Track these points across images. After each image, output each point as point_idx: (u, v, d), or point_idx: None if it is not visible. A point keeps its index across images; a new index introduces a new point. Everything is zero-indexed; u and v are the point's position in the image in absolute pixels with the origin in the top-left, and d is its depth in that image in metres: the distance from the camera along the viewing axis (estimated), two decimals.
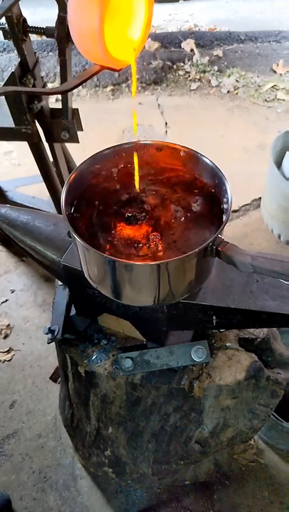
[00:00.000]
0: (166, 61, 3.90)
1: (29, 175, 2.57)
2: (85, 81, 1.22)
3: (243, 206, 2.70)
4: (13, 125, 1.74)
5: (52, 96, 3.53)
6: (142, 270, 0.79)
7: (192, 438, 1.24)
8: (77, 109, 1.89)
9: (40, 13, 4.25)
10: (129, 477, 1.43)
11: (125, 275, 0.81)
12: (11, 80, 1.61)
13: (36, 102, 1.72)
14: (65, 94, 1.72)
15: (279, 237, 2.47)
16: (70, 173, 0.93)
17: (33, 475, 1.66)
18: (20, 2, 1.52)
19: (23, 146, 1.92)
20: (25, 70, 1.68)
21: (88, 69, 0.95)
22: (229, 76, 3.82)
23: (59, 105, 1.83)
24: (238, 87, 3.73)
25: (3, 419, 1.82)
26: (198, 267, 0.82)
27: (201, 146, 1.05)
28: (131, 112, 3.48)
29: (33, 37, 3.04)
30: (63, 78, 1.71)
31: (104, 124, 3.32)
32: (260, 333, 1.24)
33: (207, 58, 3.91)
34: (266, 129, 3.31)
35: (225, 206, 0.86)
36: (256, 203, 2.70)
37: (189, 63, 3.92)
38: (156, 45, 3.95)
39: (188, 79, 3.85)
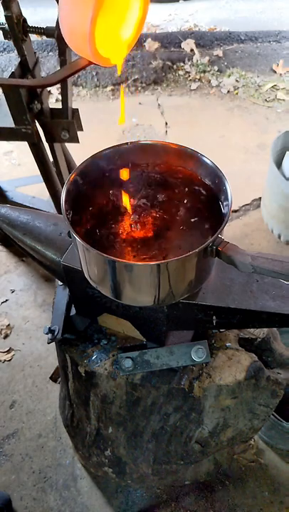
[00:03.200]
0: (166, 61, 3.90)
1: (29, 175, 2.57)
2: (72, 74, 1.22)
3: (243, 206, 2.70)
4: (13, 125, 1.74)
5: (52, 96, 3.53)
6: (142, 270, 0.79)
7: (192, 438, 1.24)
8: (77, 109, 1.89)
9: (40, 13, 4.26)
10: (129, 477, 1.43)
11: (125, 275, 0.81)
12: None
13: (36, 102, 1.72)
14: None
15: (279, 237, 2.47)
16: (70, 173, 0.93)
17: (33, 475, 1.66)
18: (20, 2, 1.52)
19: (23, 146, 1.92)
20: (26, 70, 1.67)
21: (75, 61, 0.94)
22: (229, 76, 3.82)
23: (59, 105, 1.83)
24: (238, 87, 3.73)
25: (3, 419, 1.82)
26: (199, 267, 0.82)
27: (201, 146, 1.05)
28: (131, 112, 3.48)
29: (33, 37, 3.04)
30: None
31: (104, 124, 3.32)
32: (260, 333, 1.24)
33: (207, 58, 3.91)
34: (266, 129, 3.31)
35: (225, 206, 0.87)
36: (256, 203, 2.70)
37: (189, 63, 3.92)
38: (156, 45, 3.95)
39: (189, 79, 3.85)
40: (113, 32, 0.81)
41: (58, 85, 1.62)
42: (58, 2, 1.53)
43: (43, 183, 2.03)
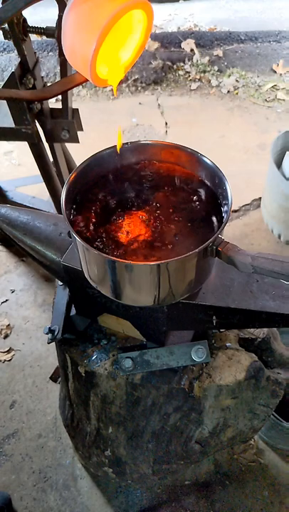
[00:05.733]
0: (166, 61, 3.89)
1: (29, 175, 2.57)
2: (70, 89, 1.20)
3: (243, 206, 2.70)
4: (13, 125, 1.74)
5: None
6: (142, 270, 0.79)
7: (192, 438, 1.24)
8: (77, 109, 1.89)
9: (40, 13, 4.25)
10: (129, 477, 1.43)
11: (125, 275, 0.81)
12: (11, 80, 1.61)
13: (36, 102, 1.72)
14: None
15: (279, 237, 2.47)
16: (70, 173, 0.93)
17: (33, 475, 1.66)
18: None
19: (23, 146, 1.92)
20: (26, 70, 1.67)
21: (72, 76, 0.94)
22: (229, 76, 3.82)
23: (59, 105, 1.83)
24: (238, 87, 3.73)
25: (3, 419, 1.82)
26: (199, 267, 0.82)
27: (201, 146, 1.05)
28: (131, 112, 3.48)
29: (33, 37, 3.05)
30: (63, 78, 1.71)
31: (104, 124, 3.32)
32: (260, 333, 1.25)
33: (207, 58, 3.91)
34: (266, 129, 3.31)
35: (225, 206, 0.87)
36: (256, 203, 2.70)
37: (189, 63, 3.92)
38: (156, 45, 3.95)
39: (189, 79, 3.85)
40: (113, 55, 0.81)
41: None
42: (58, 3, 1.53)
43: (43, 183, 2.03)
